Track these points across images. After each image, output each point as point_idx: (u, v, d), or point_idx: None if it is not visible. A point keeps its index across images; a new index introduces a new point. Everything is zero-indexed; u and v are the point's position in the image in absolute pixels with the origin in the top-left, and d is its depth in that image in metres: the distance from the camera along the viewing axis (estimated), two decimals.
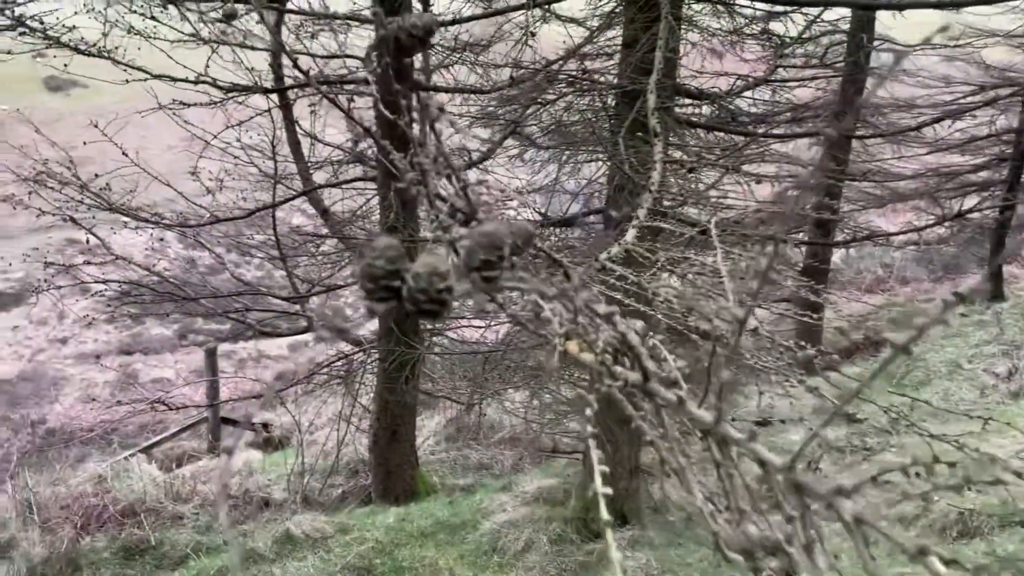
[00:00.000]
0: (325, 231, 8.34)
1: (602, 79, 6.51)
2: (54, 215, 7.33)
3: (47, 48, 6.72)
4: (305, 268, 8.71)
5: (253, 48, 7.16)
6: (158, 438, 10.09)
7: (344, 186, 8.11)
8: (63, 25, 6.64)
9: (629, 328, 1.93)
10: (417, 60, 7.11)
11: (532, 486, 6.92)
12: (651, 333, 2.02)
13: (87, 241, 8.12)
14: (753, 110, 7.42)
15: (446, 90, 7.05)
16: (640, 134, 5.04)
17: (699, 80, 7.27)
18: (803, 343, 2.15)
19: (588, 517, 6.50)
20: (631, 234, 4.31)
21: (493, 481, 7.87)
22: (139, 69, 7.29)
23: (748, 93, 7.48)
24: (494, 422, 9.05)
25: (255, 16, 7.60)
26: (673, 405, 1.55)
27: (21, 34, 6.49)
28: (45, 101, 22.75)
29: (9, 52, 6.50)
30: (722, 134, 6.74)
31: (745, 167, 5.82)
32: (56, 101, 22.92)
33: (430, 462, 8.64)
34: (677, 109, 6.57)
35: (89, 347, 17.36)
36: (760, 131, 6.40)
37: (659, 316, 3.57)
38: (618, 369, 1.85)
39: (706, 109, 7.15)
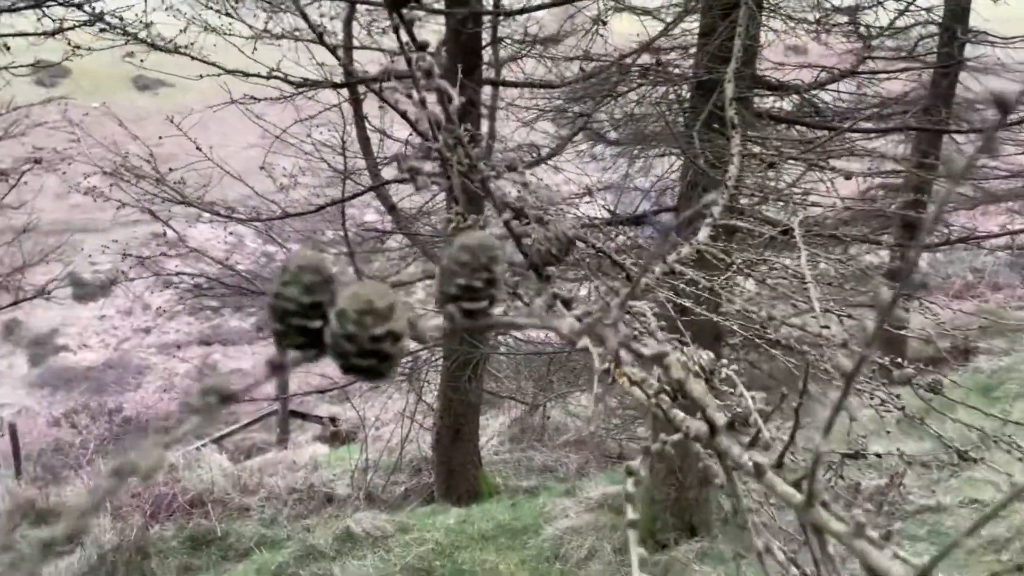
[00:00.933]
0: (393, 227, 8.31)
1: (676, 71, 6.26)
2: (132, 207, 7.49)
3: (125, 44, 6.86)
4: (375, 264, 8.70)
5: (324, 44, 7.16)
6: (228, 429, 10.27)
7: (411, 182, 8.04)
8: (140, 21, 6.76)
9: (688, 369, 1.69)
10: (486, 54, 6.99)
11: (597, 492, 6.73)
12: (723, 362, 1.78)
13: (164, 234, 8.29)
14: (839, 104, 7.02)
15: (515, 84, 6.91)
16: (717, 127, 4.79)
17: (780, 72, 6.93)
18: (898, 359, 1.91)
19: (654, 527, 6.27)
20: (704, 233, 4.06)
21: (557, 485, 7.70)
22: (214, 65, 7.39)
23: (832, 86, 7.10)
24: (559, 424, 8.87)
25: (327, 11, 7.61)
26: (750, 473, 1.31)
27: (101, 30, 6.63)
28: (134, 99, 23.61)
29: (89, 49, 6.66)
30: (803, 128, 6.40)
31: (829, 163, 5.49)
32: (144, 99, 23.77)
33: (493, 462, 8.52)
34: (756, 101, 6.27)
35: (171, 337, 17.91)
36: (845, 125, 6.03)
37: (734, 326, 3.34)
38: (678, 416, 1.61)
39: (785, 104, 6.82)
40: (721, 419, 1.57)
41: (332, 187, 8.81)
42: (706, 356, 1.74)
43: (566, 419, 8.69)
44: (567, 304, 2.00)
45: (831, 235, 4.43)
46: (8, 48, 5.98)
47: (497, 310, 0.82)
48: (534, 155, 7.30)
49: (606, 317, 1.67)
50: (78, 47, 6.53)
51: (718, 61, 5.57)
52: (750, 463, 1.35)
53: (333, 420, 10.40)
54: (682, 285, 3.66)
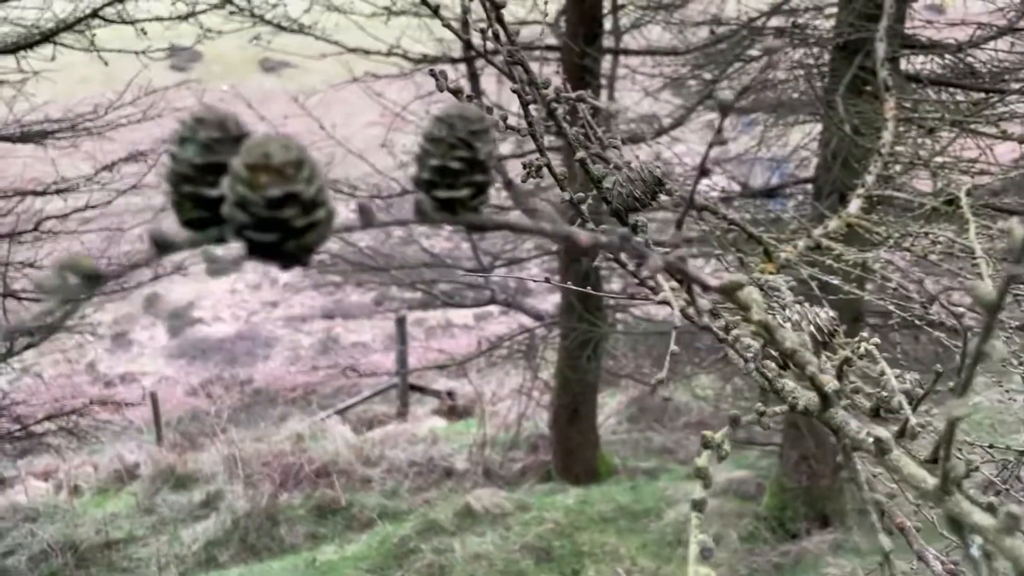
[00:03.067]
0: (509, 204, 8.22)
1: (814, 33, 5.83)
2: None
3: (253, 27, 7.02)
4: (490, 241, 8.66)
5: (439, 17, 7.11)
6: (351, 401, 10.55)
7: (526, 157, 7.93)
8: (267, 3, 6.89)
9: (800, 328, 1.44)
10: (608, 22, 6.74)
11: (721, 477, 6.47)
12: (863, 335, 1.53)
13: None
14: (997, 64, 6.39)
15: (637, 52, 6.63)
16: (868, 89, 4.41)
17: (930, 30, 6.36)
18: None
19: (784, 515, 5.98)
20: (855, 205, 3.73)
21: (678, 467, 7.48)
22: (335, 43, 7.48)
23: (988, 45, 6.46)
24: (680, 405, 8.62)
25: None
26: (869, 451, 1.07)
27: (231, 13, 6.80)
28: (260, 81, 24.52)
29: (220, 32, 6.84)
30: (957, 91, 5.85)
31: (997, 127, 4.98)
32: (270, 81, 24.64)
33: (611, 442, 8.37)
34: (903, 63, 5.78)
35: (296, 311, 18.61)
36: (1011, 88, 5.46)
37: (890, 306, 3.04)
38: (787, 386, 1.37)
39: (934, 64, 6.25)
40: (832, 384, 1.31)
41: None
42: (824, 315, 1.47)
43: (688, 400, 8.42)
44: (624, 229, 1.78)
45: (1001, 208, 4.00)
46: (145, 32, 6.20)
47: (484, 203, 0.62)
48: (655, 127, 7.02)
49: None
50: (209, 30, 6.71)
51: (863, 19, 5.15)
52: (869, 439, 1.11)
53: (451, 394, 10.50)
54: (829, 261, 3.36)
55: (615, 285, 7.45)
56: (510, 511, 6.38)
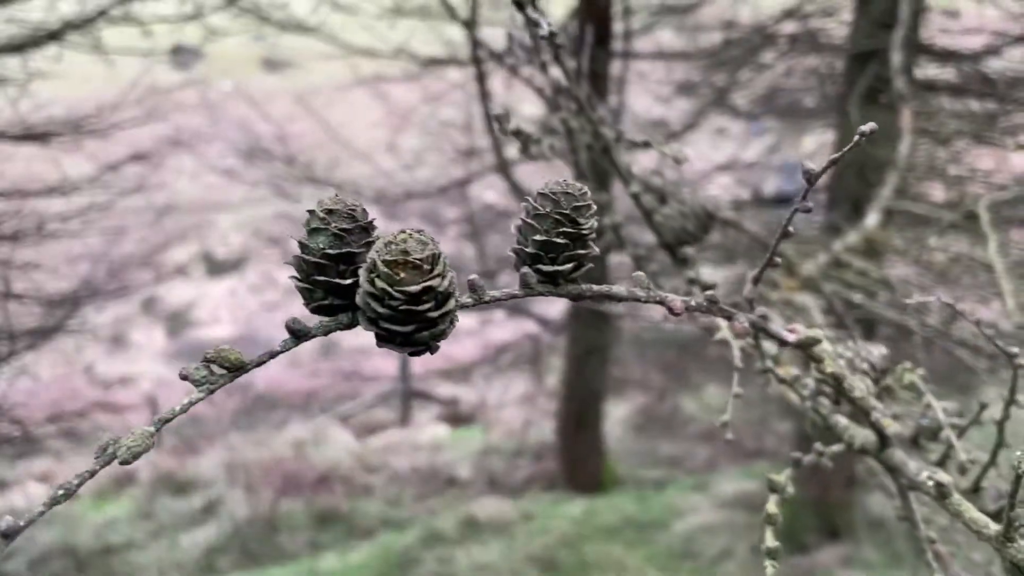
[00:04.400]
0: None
1: (825, 40, 5.77)
2: (263, 186, 7.63)
3: (260, 28, 6.95)
4: (494, 245, 8.59)
5: (454, 17, 7.03)
6: (352, 405, 10.46)
7: (523, 152, 7.85)
8: (274, 3, 6.82)
9: (854, 367, 1.38)
10: (618, 26, 6.66)
11: (730, 488, 6.39)
12: (906, 364, 1.46)
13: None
14: (1013, 72, 6.32)
15: (648, 56, 6.57)
16: (883, 97, 4.35)
17: (942, 38, 6.29)
18: None
19: (794, 527, 5.90)
20: (873, 218, 3.64)
21: (685, 478, 7.39)
22: (342, 46, 7.41)
23: (1005, 54, 6.40)
24: (687, 414, 8.53)
25: None
26: (929, 494, 1.03)
27: (237, 15, 6.72)
28: (263, 80, 24.46)
29: (225, 33, 6.76)
30: (971, 100, 5.78)
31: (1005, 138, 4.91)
32: (272, 81, 24.59)
33: (616, 451, 8.28)
34: (917, 71, 5.71)
35: (297, 314, 18.53)
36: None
37: (911, 324, 2.96)
38: (840, 423, 1.32)
39: (947, 73, 6.18)
40: (894, 428, 1.26)
41: (456, 166, 8.74)
42: (876, 352, 1.42)
43: (696, 409, 8.33)
44: (707, 290, 1.71)
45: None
46: (151, 34, 6.13)
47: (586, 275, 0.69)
48: (664, 132, 6.94)
49: (738, 293, 1.36)
50: (214, 33, 6.64)
51: (877, 27, 5.09)
52: (930, 482, 1.07)
53: (454, 401, 10.41)
54: (849, 276, 3.25)
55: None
56: (514, 520, 6.30)
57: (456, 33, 7.36)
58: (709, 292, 0.75)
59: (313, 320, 0.59)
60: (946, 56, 5.58)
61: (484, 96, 7.69)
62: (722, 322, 1.40)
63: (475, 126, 7.87)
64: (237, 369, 0.49)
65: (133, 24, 6.05)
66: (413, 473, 7.68)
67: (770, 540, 1.02)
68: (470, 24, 6.65)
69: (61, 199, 6.76)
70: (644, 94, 6.88)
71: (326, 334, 0.54)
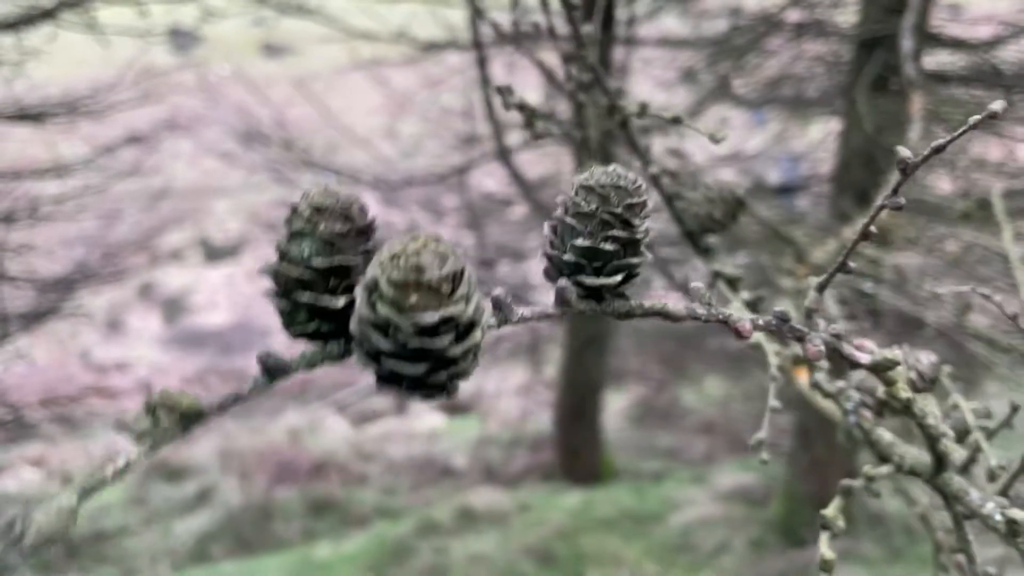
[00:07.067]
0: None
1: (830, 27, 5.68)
2: (262, 171, 7.54)
3: (258, 9, 6.85)
4: (497, 233, 8.50)
5: None
6: (348, 394, 10.40)
7: (536, 147, 7.76)
8: None
9: (916, 387, 1.29)
10: (622, 12, 6.57)
11: (728, 481, 6.34)
12: (945, 368, 1.38)
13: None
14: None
15: (651, 43, 6.47)
16: (893, 86, 4.27)
17: (951, 27, 6.21)
18: None
19: (792, 521, 5.85)
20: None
21: (683, 470, 7.34)
22: (341, 29, 7.31)
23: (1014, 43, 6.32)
24: (686, 406, 8.47)
25: None
26: (997, 530, 0.97)
27: None
28: (262, 65, 24.30)
29: (223, 15, 6.67)
30: (980, 90, 5.71)
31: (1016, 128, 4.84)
32: (271, 66, 24.42)
33: (614, 442, 8.23)
34: (925, 60, 5.63)
35: None
36: None
37: (927, 318, 2.90)
38: (883, 439, 1.24)
39: (954, 61, 6.11)
40: (959, 454, 1.18)
41: (456, 153, 8.65)
42: (926, 359, 1.34)
43: (695, 401, 8.28)
44: (732, 284, 1.62)
45: None
46: (147, 14, 6.03)
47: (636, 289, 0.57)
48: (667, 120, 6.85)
49: (807, 310, 1.25)
50: (211, 13, 6.54)
51: (885, 14, 5.01)
52: (999, 517, 0.99)
53: None
54: (860, 268, 3.19)
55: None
56: (511, 511, 6.25)
57: (456, 16, 7.26)
58: (779, 310, 0.61)
59: (295, 349, 0.47)
60: (956, 45, 5.49)
61: (485, 81, 7.60)
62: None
63: (475, 112, 7.77)
64: (190, 418, 0.39)
65: (129, 3, 5.95)
66: (409, 462, 7.62)
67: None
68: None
69: (56, 181, 6.67)
70: (645, 81, 6.79)
71: (310, 368, 0.42)
